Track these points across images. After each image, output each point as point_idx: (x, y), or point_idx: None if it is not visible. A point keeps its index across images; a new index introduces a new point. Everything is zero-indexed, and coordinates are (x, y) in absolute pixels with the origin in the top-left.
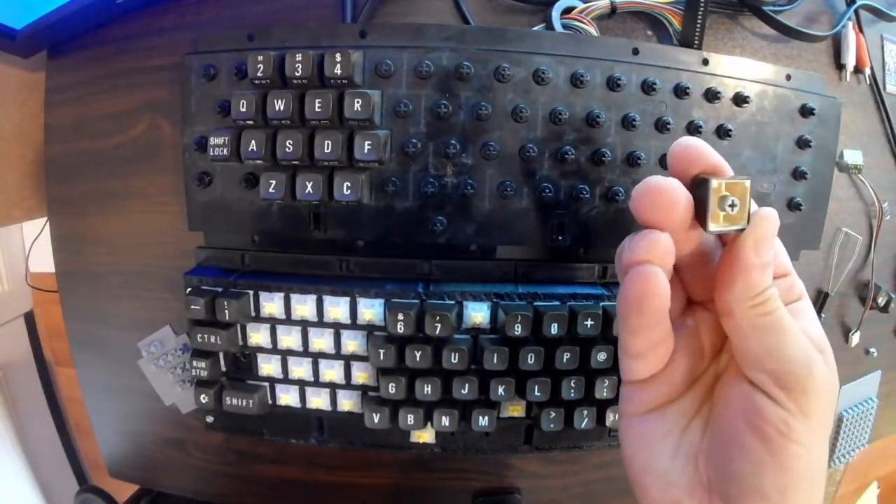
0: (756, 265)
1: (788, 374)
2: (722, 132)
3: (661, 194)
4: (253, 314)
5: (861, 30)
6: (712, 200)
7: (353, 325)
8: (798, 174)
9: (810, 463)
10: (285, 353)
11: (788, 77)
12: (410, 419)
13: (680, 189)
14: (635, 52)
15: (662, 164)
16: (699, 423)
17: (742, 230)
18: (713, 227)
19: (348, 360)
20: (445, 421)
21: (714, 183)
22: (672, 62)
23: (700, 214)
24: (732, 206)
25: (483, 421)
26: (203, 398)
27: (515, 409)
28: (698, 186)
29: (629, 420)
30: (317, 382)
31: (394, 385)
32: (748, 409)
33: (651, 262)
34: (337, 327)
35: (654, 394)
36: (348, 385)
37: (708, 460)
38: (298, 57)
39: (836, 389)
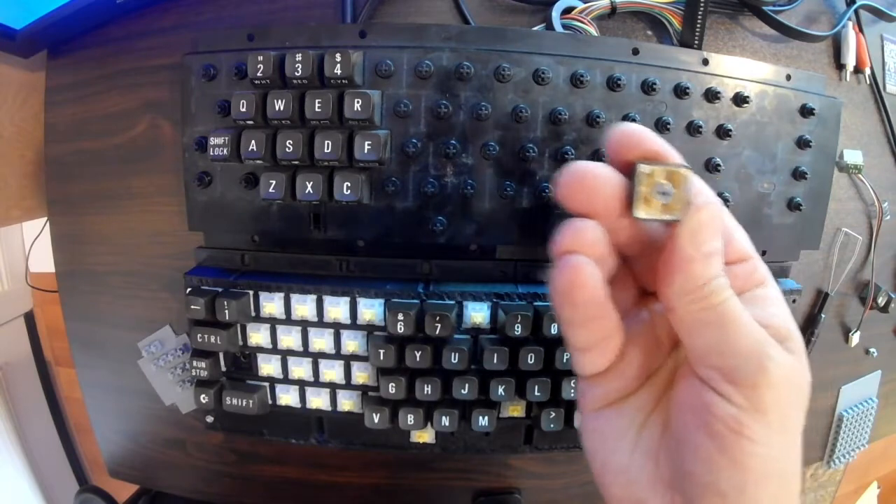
0: (695, 258)
1: (736, 368)
2: (722, 132)
3: (583, 180)
4: (253, 314)
5: (861, 30)
6: (640, 185)
7: (353, 325)
8: (798, 174)
9: (771, 461)
10: (285, 353)
11: (788, 77)
12: (410, 419)
13: (604, 174)
14: (635, 52)
15: None
16: (658, 419)
17: (678, 221)
18: (641, 213)
19: (348, 360)
20: (445, 421)
21: (643, 167)
22: (672, 62)
23: (630, 200)
24: (665, 193)
25: (483, 421)
26: (203, 398)
27: (515, 409)
28: (632, 172)
29: (586, 416)
30: (317, 382)
31: (394, 385)
32: (697, 405)
33: (578, 252)
34: (337, 327)
35: (608, 389)
36: (348, 385)
37: (666, 457)
38: (298, 57)
39: (801, 380)
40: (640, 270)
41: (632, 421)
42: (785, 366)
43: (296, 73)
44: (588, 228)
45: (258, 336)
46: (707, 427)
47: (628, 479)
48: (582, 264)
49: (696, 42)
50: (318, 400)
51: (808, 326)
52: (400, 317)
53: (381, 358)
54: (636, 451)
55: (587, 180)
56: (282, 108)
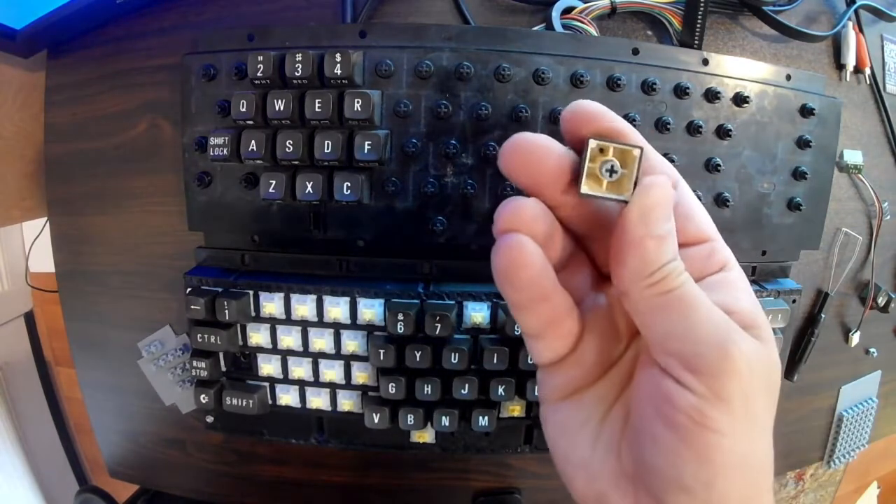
0: (647, 239)
1: (697, 356)
2: (722, 132)
3: (525, 151)
4: (253, 314)
5: (861, 30)
6: (588, 160)
7: (353, 325)
8: (798, 174)
9: (738, 453)
10: (285, 353)
11: (788, 77)
12: (410, 419)
13: (548, 147)
14: (635, 52)
15: None
16: (619, 411)
17: (626, 202)
18: (585, 189)
19: (348, 360)
20: (445, 421)
21: (593, 142)
22: (672, 62)
23: (577, 175)
24: (612, 171)
25: (483, 421)
26: (203, 398)
27: (515, 409)
28: (583, 147)
29: (547, 407)
30: (317, 382)
31: (394, 385)
32: (657, 395)
33: (517, 231)
34: (337, 327)
35: (566, 378)
36: (348, 385)
37: (628, 451)
38: (298, 57)
39: (769, 368)
40: (597, 251)
41: (592, 413)
42: (750, 352)
43: (296, 73)
44: (527, 206)
45: (258, 336)
46: (668, 418)
47: (590, 472)
48: (521, 243)
49: (696, 42)
50: (318, 400)
51: (808, 326)
52: (400, 317)
53: (381, 358)
54: (598, 444)
55: (529, 151)
56: (282, 108)
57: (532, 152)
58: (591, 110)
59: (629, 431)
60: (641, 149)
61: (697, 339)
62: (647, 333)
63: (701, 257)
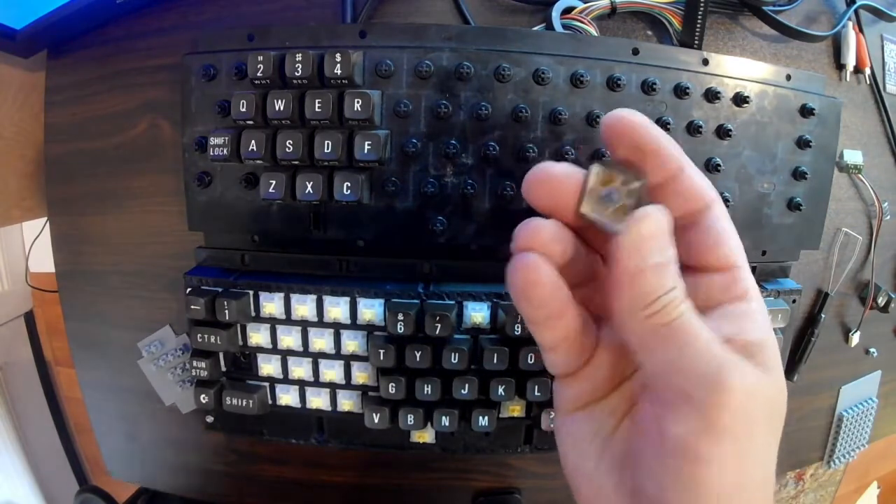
0: (642, 270)
1: (690, 388)
2: (722, 132)
3: (548, 183)
4: (253, 314)
5: (861, 30)
6: (590, 183)
7: (353, 325)
8: (798, 174)
9: (727, 483)
10: (285, 353)
11: (788, 77)
12: (410, 419)
13: (567, 176)
14: (635, 52)
15: None
16: (628, 425)
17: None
18: (585, 208)
19: (348, 360)
20: (445, 421)
21: (596, 168)
22: (672, 62)
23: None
24: (610, 199)
25: (483, 421)
26: (203, 398)
27: (515, 409)
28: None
29: (560, 418)
30: (317, 382)
31: (394, 385)
32: (652, 422)
33: (533, 250)
34: (337, 327)
35: (578, 391)
36: (348, 385)
37: (629, 469)
38: (298, 57)
39: (771, 396)
40: None
41: (602, 425)
42: (748, 385)
43: (296, 73)
44: (545, 227)
45: (258, 336)
46: (658, 446)
47: (595, 485)
48: (536, 262)
49: (696, 42)
50: (318, 400)
51: (808, 326)
52: (400, 317)
53: (381, 358)
54: (603, 458)
55: (552, 179)
56: (282, 108)
57: (554, 179)
58: (623, 122)
59: (628, 451)
60: (643, 181)
61: (691, 372)
62: (643, 363)
63: (721, 285)
